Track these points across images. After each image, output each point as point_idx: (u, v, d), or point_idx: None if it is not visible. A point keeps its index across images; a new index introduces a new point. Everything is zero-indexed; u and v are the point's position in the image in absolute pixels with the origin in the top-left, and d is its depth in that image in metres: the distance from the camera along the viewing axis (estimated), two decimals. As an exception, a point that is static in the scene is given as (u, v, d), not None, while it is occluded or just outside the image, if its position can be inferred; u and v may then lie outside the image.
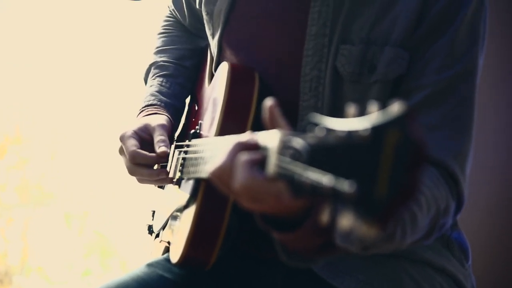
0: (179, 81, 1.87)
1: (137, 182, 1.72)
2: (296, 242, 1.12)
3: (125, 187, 3.76)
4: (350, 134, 0.87)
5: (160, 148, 1.64)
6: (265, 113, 1.10)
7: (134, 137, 1.66)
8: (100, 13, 3.82)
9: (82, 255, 3.76)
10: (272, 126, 1.08)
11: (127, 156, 1.65)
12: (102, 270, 3.72)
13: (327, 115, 1.46)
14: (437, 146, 1.40)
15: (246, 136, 1.14)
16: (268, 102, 1.10)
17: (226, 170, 1.10)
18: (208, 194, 1.52)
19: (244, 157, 1.07)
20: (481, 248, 2.46)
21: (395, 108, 0.84)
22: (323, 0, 1.49)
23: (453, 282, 1.60)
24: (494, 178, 2.52)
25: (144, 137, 1.68)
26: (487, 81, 2.48)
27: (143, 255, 3.33)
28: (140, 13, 3.75)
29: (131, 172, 1.68)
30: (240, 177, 1.05)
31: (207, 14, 1.72)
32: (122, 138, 1.67)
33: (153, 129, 1.68)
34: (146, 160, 1.64)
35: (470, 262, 1.67)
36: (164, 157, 1.65)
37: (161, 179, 1.67)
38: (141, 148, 1.65)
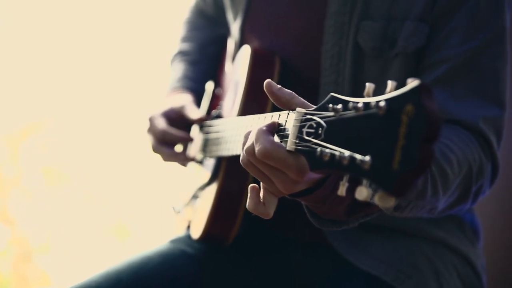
0: (202, 67, 1.94)
1: (162, 160, 1.79)
2: (317, 207, 1.16)
3: (145, 170, 3.82)
4: (367, 107, 0.91)
5: (195, 115, 1.70)
6: (268, 95, 1.11)
7: (163, 117, 1.74)
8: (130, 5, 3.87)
9: (102, 236, 3.84)
10: (286, 106, 1.11)
11: (156, 134, 1.72)
12: (122, 250, 3.79)
13: (348, 90, 1.52)
14: (466, 113, 1.41)
15: (266, 117, 1.19)
16: (265, 81, 1.11)
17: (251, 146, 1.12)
18: (229, 172, 1.58)
19: (264, 127, 1.10)
20: (494, 233, 2.50)
21: (410, 83, 0.87)
22: None
23: (465, 261, 1.64)
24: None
25: (172, 117, 1.75)
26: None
27: (161, 235, 3.39)
28: (164, 5, 3.80)
29: (155, 150, 1.75)
30: (264, 142, 1.07)
31: (230, -1, 1.78)
32: (152, 119, 1.74)
33: (182, 107, 1.75)
34: (175, 138, 1.71)
35: (481, 243, 1.72)
36: (190, 138, 1.72)
37: (182, 158, 1.74)
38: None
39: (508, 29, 1.48)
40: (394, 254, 1.59)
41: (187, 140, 1.73)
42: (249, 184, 1.55)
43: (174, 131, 1.71)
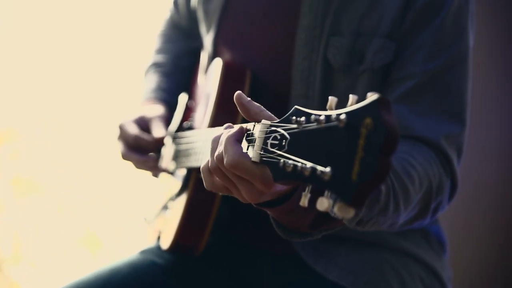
0: (175, 78, 1.96)
1: (134, 167, 1.78)
2: (283, 218, 1.18)
3: (117, 180, 3.81)
4: (328, 120, 0.93)
5: (158, 133, 1.71)
6: (238, 106, 1.14)
7: (135, 123, 1.74)
8: (99, 12, 3.86)
9: (73, 247, 3.81)
10: (254, 118, 1.13)
11: (129, 140, 1.72)
12: (92, 261, 3.77)
13: (318, 104, 1.55)
14: (428, 130, 1.45)
15: (233, 127, 1.21)
16: (236, 93, 1.13)
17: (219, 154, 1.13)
18: (199, 183, 1.59)
19: (232, 135, 1.12)
20: (461, 244, 2.54)
21: (370, 96, 0.90)
22: None
23: (430, 272, 1.68)
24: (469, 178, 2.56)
25: (142, 125, 1.76)
26: (494, 81, 2.51)
27: (133, 246, 3.38)
28: (140, 13, 3.80)
29: (125, 157, 1.75)
30: (232, 153, 1.09)
31: (203, 12, 1.79)
32: (123, 126, 1.74)
33: (150, 119, 1.76)
34: (147, 143, 1.72)
35: (447, 254, 1.75)
36: (162, 141, 1.72)
37: (152, 165, 1.74)
38: None
39: (471, 48, 1.53)
40: (362, 265, 1.62)
41: (159, 144, 1.73)
42: (218, 195, 1.58)
43: (146, 136, 1.72)
